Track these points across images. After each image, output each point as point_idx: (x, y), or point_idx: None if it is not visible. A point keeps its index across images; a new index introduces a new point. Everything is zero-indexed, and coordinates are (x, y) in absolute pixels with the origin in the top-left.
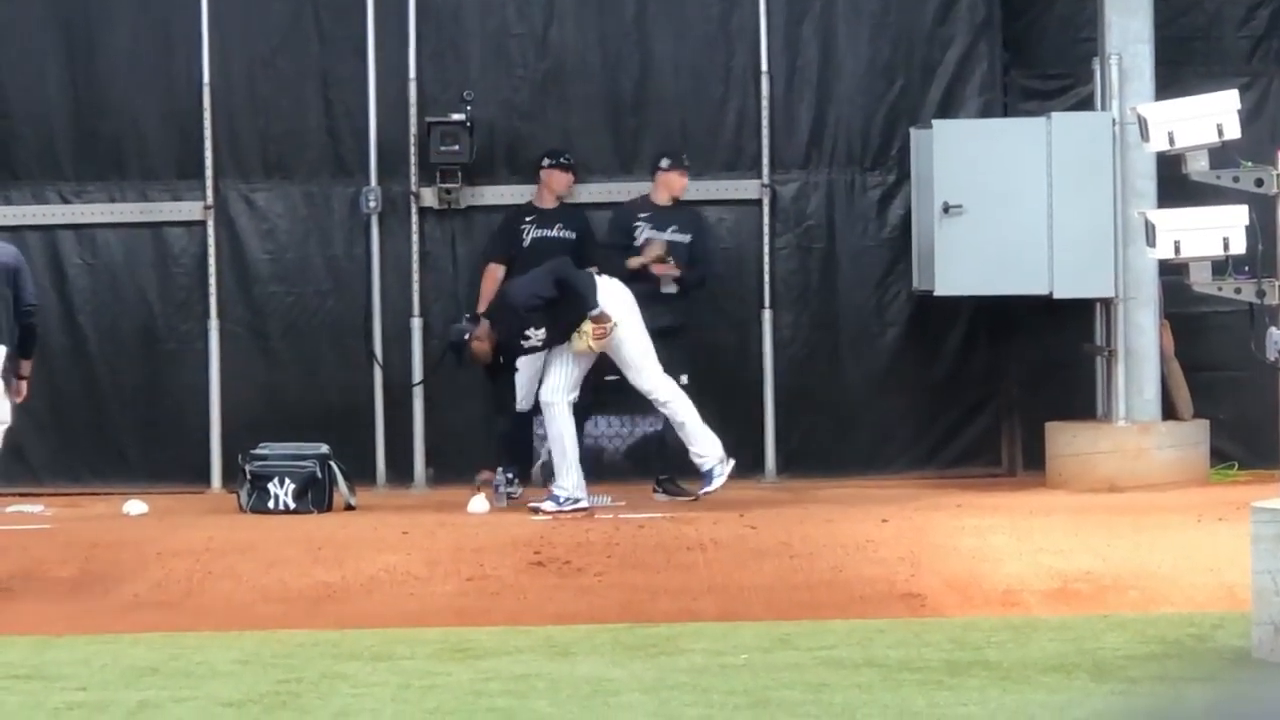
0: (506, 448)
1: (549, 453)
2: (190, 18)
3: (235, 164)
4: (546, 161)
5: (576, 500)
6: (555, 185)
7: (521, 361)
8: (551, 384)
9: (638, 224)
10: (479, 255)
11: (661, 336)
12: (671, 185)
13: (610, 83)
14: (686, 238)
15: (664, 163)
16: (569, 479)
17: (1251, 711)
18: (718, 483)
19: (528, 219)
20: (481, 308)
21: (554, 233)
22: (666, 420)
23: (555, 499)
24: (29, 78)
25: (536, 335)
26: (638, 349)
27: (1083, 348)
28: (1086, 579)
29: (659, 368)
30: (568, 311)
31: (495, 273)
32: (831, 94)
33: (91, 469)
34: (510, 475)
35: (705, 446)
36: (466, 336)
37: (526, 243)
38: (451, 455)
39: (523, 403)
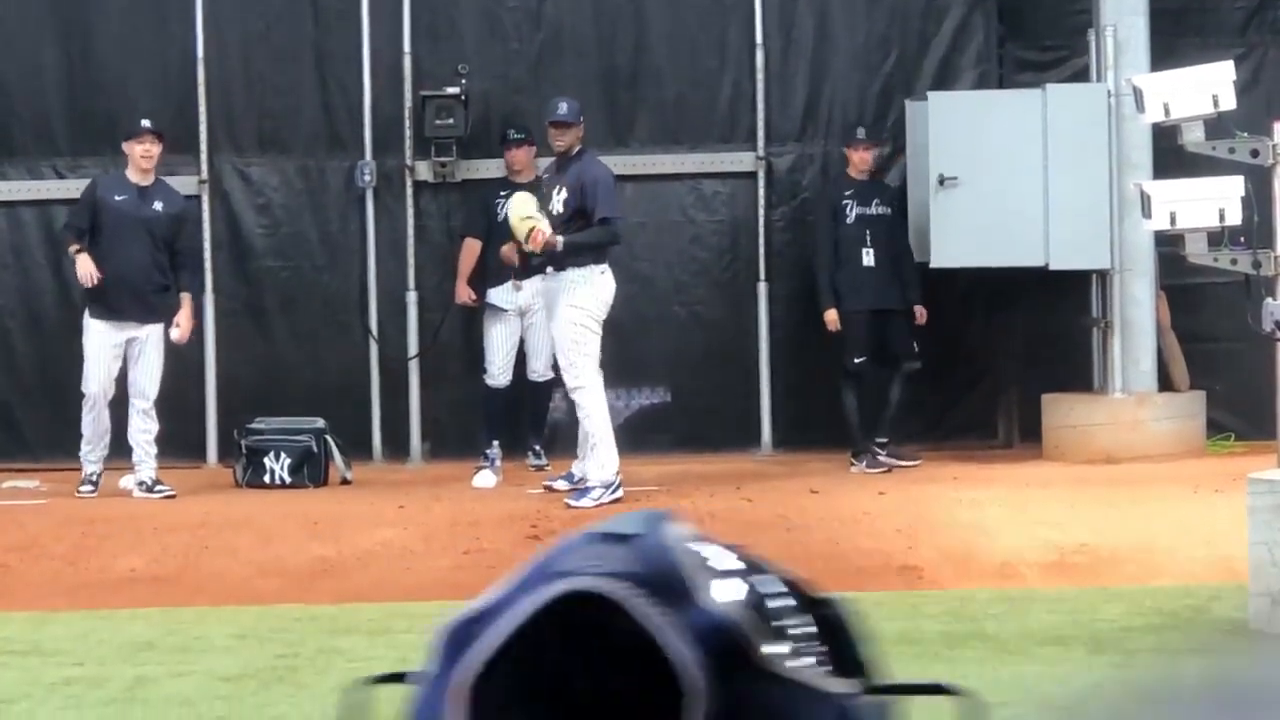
0: (491, 420)
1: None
2: None
3: (230, 139)
4: (501, 141)
5: (614, 487)
6: (513, 162)
7: (494, 332)
8: (579, 365)
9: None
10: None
11: None
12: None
13: (605, 56)
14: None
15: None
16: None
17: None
18: (586, 502)
19: (501, 194)
20: (460, 283)
21: None
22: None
23: (588, 491)
24: (24, 53)
25: (511, 298)
26: (567, 338)
27: (1079, 320)
28: (1083, 551)
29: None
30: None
31: (473, 247)
32: (827, 66)
33: None
34: (538, 448)
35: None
36: None
37: (500, 218)
38: (447, 429)
39: (500, 376)
